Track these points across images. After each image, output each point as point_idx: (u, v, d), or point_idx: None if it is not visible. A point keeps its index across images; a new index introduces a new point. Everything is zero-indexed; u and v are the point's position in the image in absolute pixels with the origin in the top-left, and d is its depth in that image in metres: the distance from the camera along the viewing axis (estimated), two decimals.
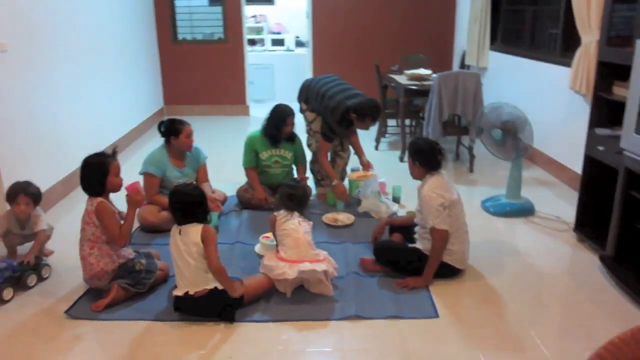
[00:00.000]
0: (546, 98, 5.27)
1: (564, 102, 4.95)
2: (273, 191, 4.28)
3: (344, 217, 4.07)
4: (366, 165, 4.39)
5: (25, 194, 3.28)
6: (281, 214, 3.12)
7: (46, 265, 3.27)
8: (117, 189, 3.01)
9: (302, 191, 3.26)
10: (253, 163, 4.29)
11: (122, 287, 2.92)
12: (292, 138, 4.35)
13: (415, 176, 3.28)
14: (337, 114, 4.05)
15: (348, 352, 2.56)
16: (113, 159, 3.03)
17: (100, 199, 2.93)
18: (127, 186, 3.03)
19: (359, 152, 4.50)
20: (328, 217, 4.06)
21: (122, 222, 3.00)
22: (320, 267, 2.93)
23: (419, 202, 3.18)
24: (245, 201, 4.28)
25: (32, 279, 3.15)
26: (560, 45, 5.21)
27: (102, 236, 2.92)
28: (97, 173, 2.94)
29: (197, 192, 2.85)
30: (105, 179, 2.95)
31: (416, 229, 3.30)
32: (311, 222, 3.17)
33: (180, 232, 2.78)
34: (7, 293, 3.02)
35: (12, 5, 3.84)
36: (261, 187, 4.29)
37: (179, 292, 2.78)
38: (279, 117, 4.16)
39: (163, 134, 3.96)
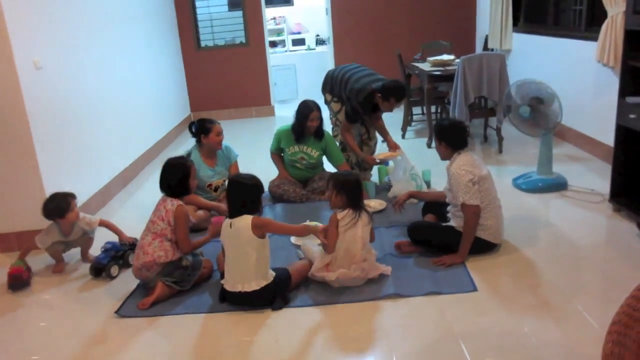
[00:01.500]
0: (573, 74, 5.22)
1: (591, 77, 4.90)
2: (303, 185, 4.35)
3: (376, 204, 4.10)
4: (393, 146, 4.39)
5: (73, 197, 3.44)
6: (345, 217, 2.90)
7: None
8: (192, 191, 3.13)
9: (355, 177, 3.06)
10: (277, 151, 4.45)
11: (166, 285, 3.00)
12: (320, 135, 4.30)
13: (442, 156, 3.30)
14: (361, 95, 4.10)
15: (390, 330, 2.60)
16: (191, 162, 3.17)
17: (180, 202, 3.04)
18: (215, 219, 3.22)
19: (385, 134, 4.51)
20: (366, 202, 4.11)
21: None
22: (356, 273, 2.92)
23: (448, 181, 3.20)
24: (277, 196, 4.35)
25: (132, 258, 3.32)
26: (585, 20, 5.15)
27: (169, 235, 3.01)
28: (179, 175, 3.08)
29: (254, 182, 2.88)
30: (187, 181, 3.09)
31: (449, 208, 3.31)
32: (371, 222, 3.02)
33: (230, 226, 2.81)
34: (114, 270, 3.32)
35: (44, 25, 3.98)
36: (284, 169, 4.44)
37: (229, 288, 2.84)
38: (303, 113, 4.18)
39: (194, 134, 4.06)
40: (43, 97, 3.88)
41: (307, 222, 3.66)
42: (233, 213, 2.84)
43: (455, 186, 3.09)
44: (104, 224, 3.58)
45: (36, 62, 3.81)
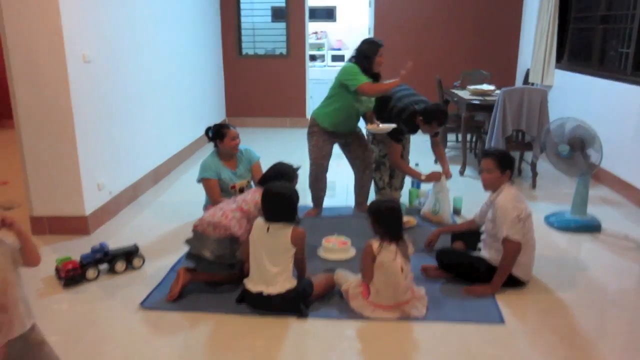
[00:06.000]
0: (615, 117, 5.15)
1: (633, 122, 4.82)
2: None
3: (406, 219, 4.11)
4: (447, 173, 4.33)
5: None
6: (382, 250, 2.80)
7: (139, 256, 3.43)
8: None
9: (391, 204, 2.95)
10: None
11: (188, 270, 3.09)
12: None
13: (492, 186, 3.20)
14: (404, 114, 4.13)
15: (411, 353, 2.58)
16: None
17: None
18: None
19: (442, 160, 4.46)
20: None
21: None
22: (415, 312, 2.85)
23: (493, 212, 3.12)
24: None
25: (120, 266, 3.34)
26: (631, 64, 5.10)
27: (251, 218, 3.05)
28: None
29: (289, 192, 2.92)
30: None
31: (483, 237, 3.28)
32: (411, 252, 2.90)
33: (267, 230, 2.82)
34: (92, 273, 3.25)
35: (94, 21, 4.09)
36: None
37: (252, 288, 2.84)
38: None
39: (211, 139, 4.11)
40: (88, 90, 3.98)
41: (325, 239, 3.69)
42: (270, 218, 2.86)
43: (500, 219, 3.03)
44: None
45: (85, 56, 3.91)
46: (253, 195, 3.22)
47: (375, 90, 4.04)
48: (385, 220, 2.85)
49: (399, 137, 4.26)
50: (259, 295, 2.81)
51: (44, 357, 1.94)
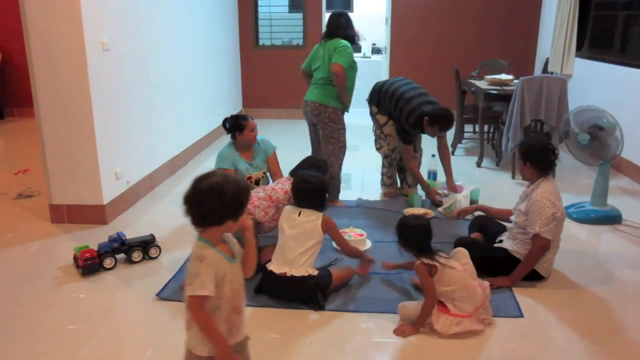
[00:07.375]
0: (636, 105, 5.05)
1: None
2: None
3: (423, 211, 4.15)
4: (452, 188, 4.32)
5: None
6: (436, 262, 2.64)
7: (156, 246, 3.46)
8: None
9: (420, 223, 2.81)
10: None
11: None
12: None
13: (524, 177, 3.22)
14: (412, 118, 4.13)
15: (427, 346, 2.56)
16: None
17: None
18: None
19: (447, 172, 4.42)
20: (408, 211, 4.15)
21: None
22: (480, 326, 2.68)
23: (527, 205, 3.06)
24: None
25: (137, 255, 3.38)
26: None
27: (280, 205, 3.14)
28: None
29: (322, 181, 3.04)
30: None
31: (509, 226, 3.24)
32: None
33: (299, 214, 2.91)
34: (109, 262, 3.29)
35: (114, 9, 4.10)
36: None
37: (276, 270, 2.86)
38: None
39: (229, 130, 4.09)
40: (106, 78, 3.99)
41: (341, 231, 3.66)
42: (302, 205, 2.96)
43: (534, 214, 2.97)
44: None
45: (104, 44, 3.92)
46: (283, 185, 3.30)
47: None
48: (414, 240, 2.75)
49: (408, 139, 4.26)
50: (283, 275, 2.83)
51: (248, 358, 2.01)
